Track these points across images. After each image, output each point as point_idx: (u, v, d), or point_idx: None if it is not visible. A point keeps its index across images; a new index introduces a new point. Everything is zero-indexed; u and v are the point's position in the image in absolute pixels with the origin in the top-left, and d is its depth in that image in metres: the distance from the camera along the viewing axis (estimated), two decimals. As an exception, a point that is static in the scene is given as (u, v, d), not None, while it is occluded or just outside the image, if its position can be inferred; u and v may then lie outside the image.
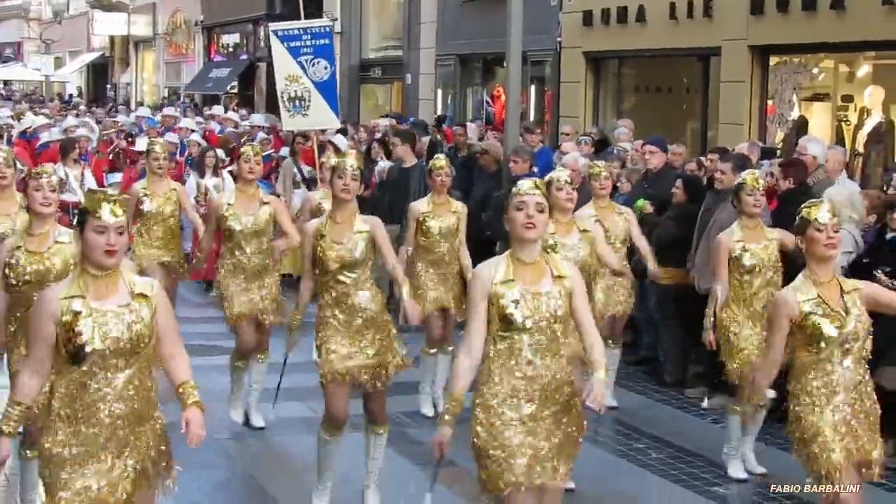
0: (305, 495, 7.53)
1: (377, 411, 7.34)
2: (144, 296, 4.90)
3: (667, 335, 10.96)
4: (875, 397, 5.78)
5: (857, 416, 5.65)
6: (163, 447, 5.06)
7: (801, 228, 5.72)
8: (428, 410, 9.79)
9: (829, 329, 5.56)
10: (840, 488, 5.59)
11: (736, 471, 8.28)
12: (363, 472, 7.43)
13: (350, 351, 7.08)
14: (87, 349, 4.74)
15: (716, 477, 8.36)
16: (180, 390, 5.07)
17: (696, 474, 8.43)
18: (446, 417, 5.23)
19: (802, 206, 5.84)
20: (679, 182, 10.77)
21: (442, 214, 9.45)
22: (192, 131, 18.44)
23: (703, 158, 11.88)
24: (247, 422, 9.27)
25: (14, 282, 6.65)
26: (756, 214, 8.04)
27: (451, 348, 9.66)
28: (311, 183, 14.64)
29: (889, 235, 8.63)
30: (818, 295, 5.61)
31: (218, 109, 25.10)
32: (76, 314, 4.75)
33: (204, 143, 16.95)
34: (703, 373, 10.60)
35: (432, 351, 9.78)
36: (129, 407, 4.86)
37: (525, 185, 5.31)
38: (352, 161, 7.15)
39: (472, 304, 5.28)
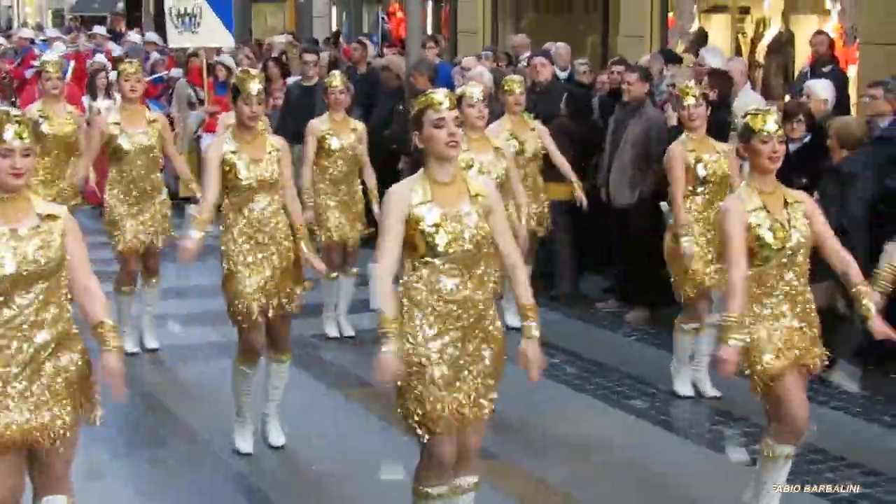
0: (217, 419, 7.34)
1: (282, 338, 7.00)
2: (54, 217, 4.61)
3: (562, 249, 10.78)
4: (815, 309, 5.64)
5: (800, 326, 5.53)
6: (89, 378, 4.76)
7: (745, 136, 5.49)
8: (332, 332, 9.62)
9: (772, 241, 5.38)
10: (781, 392, 5.53)
11: (682, 387, 8.08)
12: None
13: (259, 278, 6.76)
14: None
15: (631, 390, 8.32)
16: (98, 331, 4.73)
17: (613, 388, 8.38)
18: (390, 339, 4.74)
19: (747, 112, 5.62)
20: (564, 98, 10.65)
21: (341, 133, 9.22)
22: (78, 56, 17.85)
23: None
24: (143, 348, 9.12)
25: None
26: (697, 126, 7.82)
27: (354, 269, 9.57)
28: (202, 104, 14.27)
29: (791, 146, 8.53)
30: (763, 205, 5.43)
31: (99, 29, 24.29)
32: None
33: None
34: (614, 287, 10.60)
35: (333, 275, 9.51)
36: (48, 334, 4.58)
37: (439, 98, 4.91)
38: (257, 84, 6.81)
39: (387, 224, 4.87)
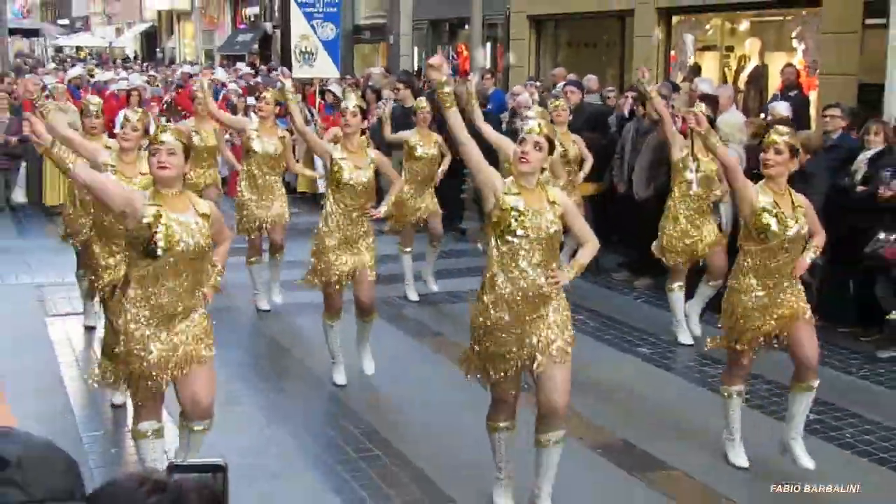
0: (323, 359, 7.32)
1: (366, 306, 6.89)
2: (206, 215, 4.60)
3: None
4: (802, 290, 5.47)
5: (782, 299, 5.36)
6: (207, 325, 4.77)
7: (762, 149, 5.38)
8: (412, 296, 9.55)
9: (775, 227, 5.19)
10: (740, 356, 5.47)
11: (683, 337, 8.06)
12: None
13: (344, 257, 6.73)
14: (160, 250, 4.42)
15: (638, 340, 8.24)
16: (210, 267, 4.80)
17: (624, 338, 8.31)
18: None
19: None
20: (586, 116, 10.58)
21: (426, 143, 9.19)
22: (224, 84, 17.99)
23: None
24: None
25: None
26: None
27: (436, 243, 9.56)
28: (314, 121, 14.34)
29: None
30: (774, 200, 5.25)
31: (240, 65, 24.49)
32: (156, 217, 4.42)
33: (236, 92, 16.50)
34: (626, 261, 10.49)
35: (407, 250, 9.52)
36: (189, 296, 4.61)
37: (530, 124, 4.70)
38: (352, 101, 6.82)
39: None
